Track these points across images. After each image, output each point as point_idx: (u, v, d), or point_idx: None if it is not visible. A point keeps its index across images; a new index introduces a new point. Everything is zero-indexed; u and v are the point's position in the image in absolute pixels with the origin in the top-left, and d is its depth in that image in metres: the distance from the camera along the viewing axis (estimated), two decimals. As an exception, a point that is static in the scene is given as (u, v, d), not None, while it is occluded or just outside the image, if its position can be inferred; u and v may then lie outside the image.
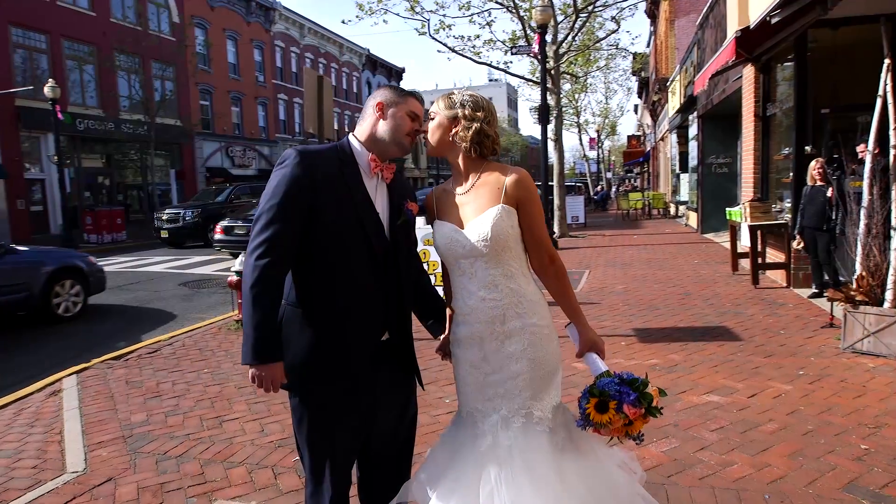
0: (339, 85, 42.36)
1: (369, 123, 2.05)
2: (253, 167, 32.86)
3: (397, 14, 14.31)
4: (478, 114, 1.98)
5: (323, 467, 2.01)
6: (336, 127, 39.16)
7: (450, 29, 16.25)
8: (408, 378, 2.17)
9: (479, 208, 1.96)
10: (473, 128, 1.97)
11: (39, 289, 7.40)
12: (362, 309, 1.96)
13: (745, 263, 8.66)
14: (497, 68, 15.67)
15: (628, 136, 45.88)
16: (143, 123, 23.42)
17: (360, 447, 2.11)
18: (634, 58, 29.98)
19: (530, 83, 15.83)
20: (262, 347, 1.85)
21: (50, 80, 18.82)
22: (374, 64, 47.25)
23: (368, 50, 45.60)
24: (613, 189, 40.03)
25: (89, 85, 23.42)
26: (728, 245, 9.47)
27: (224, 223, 13.84)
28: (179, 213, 18.15)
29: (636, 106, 44.50)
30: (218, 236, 13.69)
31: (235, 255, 9.75)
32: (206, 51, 29.09)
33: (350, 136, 2.07)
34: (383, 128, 2.03)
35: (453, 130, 2.00)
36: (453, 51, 15.13)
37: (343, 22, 16.75)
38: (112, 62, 22.97)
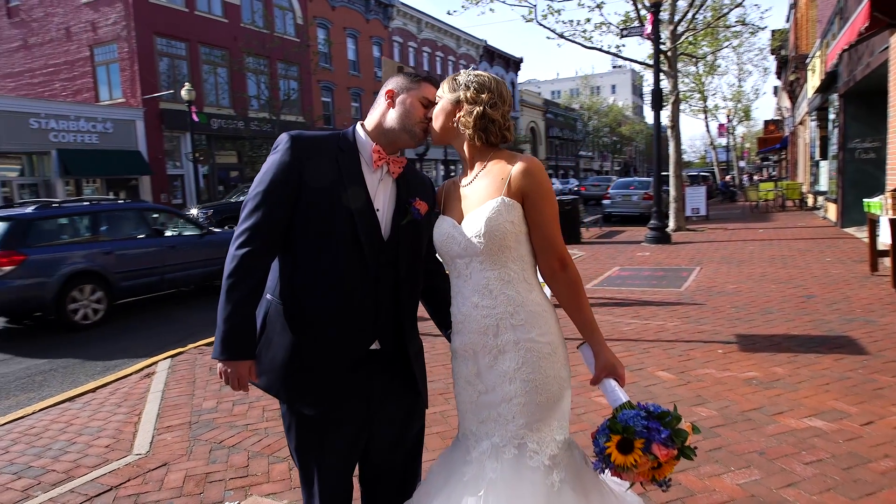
0: (455, 78, 42.58)
1: (379, 112, 1.88)
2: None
3: (503, 1, 13.98)
4: (482, 96, 1.74)
5: (312, 477, 1.88)
6: None
7: (559, 14, 15.60)
8: (410, 390, 1.96)
9: (479, 201, 1.72)
10: (476, 112, 1.72)
11: None
12: (347, 313, 1.78)
13: (887, 262, 7.52)
14: (608, 52, 14.85)
15: (765, 122, 42.15)
16: (268, 121, 24.94)
17: (356, 457, 1.94)
18: (773, 35, 27.38)
19: (647, 67, 14.85)
20: (229, 342, 1.73)
21: (186, 83, 20.48)
22: (492, 55, 47.07)
23: (486, 41, 45.51)
24: (740, 178, 37.02)
25: (222, 87, 25.26)
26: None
27: None
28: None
29: (775, 88, 40.79)
30: None
31: None
32: (328, 49, 30.38)
33: (357, 125, 1.90)
34: (392, 116, 1.85)
35: (457, 116, 1.76)
36: (562, 37, 14.56)
37: (449, 13, 16.59)
38: (242, 65, 24.62)
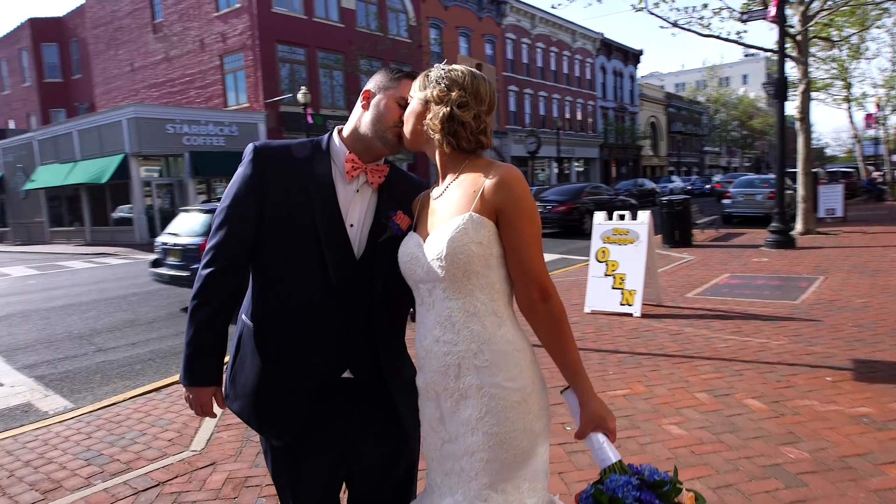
0: (570, 73, 41.62)
1: (355, 116, 1.71)
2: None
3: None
4: (451, 94, 1.49)
5: None
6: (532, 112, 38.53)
7: (673, 1, 14.45)
8: (393, 425, 1.76)
9: (446, 217, 1.49)
10: (442, 113, 1.48)
11: None
12: (309, 339, 1.62)
13: None
14: (727, 40, 13.63)
15: (928, 110, 37.16)
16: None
17: (336, 489, 1.78)
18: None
19: (773, 53, 13.51)
20: (191, 367, 1.66)
21: (303, 87, 21.49)
22: (609, 48, 45.44)
23: (602, 34, 43.98)
24: (892, 174, 32.77)
25: (337, 89, 26.30)
26: None
27: None
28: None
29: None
30: None
31: None
32: (440, 49, 30.71)
33: (335, 130, 1.74)
34: (366, 120, 1.67)
35: (427, 118, 1.54)
36: (676, 25, 13.60)
37: (553, 7, 15.99)
38: (356, 67, 25.48)
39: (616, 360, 4.88)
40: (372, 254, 1.65)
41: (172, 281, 8.36)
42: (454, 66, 1.55)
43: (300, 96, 20.70)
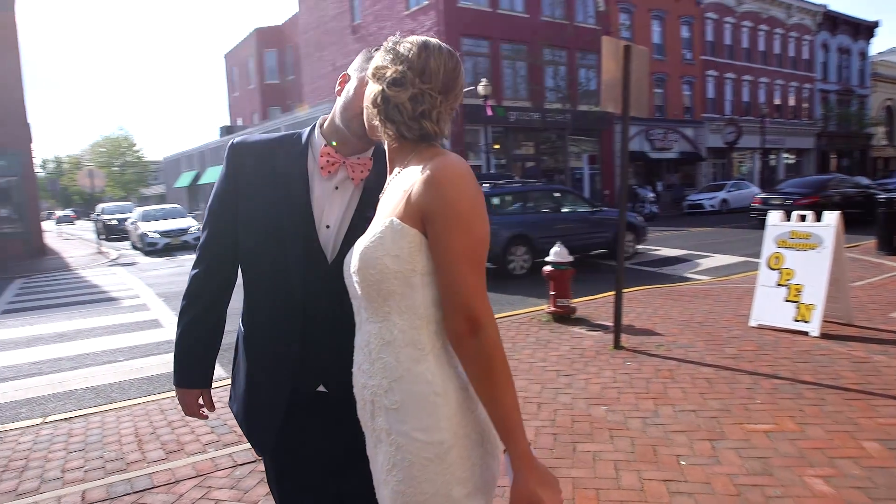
0: (783, 53, 37.04)
1: (335, 104, 1.55)
2: (674, 150, 31.85)
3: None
4: (385, 71, 1.22)
5: None
6: (688, 105, 34.56)
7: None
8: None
9: (376, 223, 1.26)
10: (373, 94, 1.25)
11: (612, 235, 11.13)
12: (278, 348, 1.51)
13: None
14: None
15: None
16: (563, 111, 25.01)
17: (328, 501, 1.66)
18: None
19: None
20: (177, 368, 1.65)
21: (483, 79, 21.72)
22: (834, 22, 39.56)
23: (826, 6, 38.39)
24: None
25: (520, 80, 26.20)
26: None
27: None
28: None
29: None
30: None
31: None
32: (630, 35, 29.13)
33: (317, 122, 1.60)
34: (337, 107, 1.52)
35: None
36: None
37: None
38: (540, 58, 25.14)
39: (770, 386, 4.14)
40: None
41: None
42: (407, 38, 1.28)
43: (480, 88, 20.95)
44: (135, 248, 19.93)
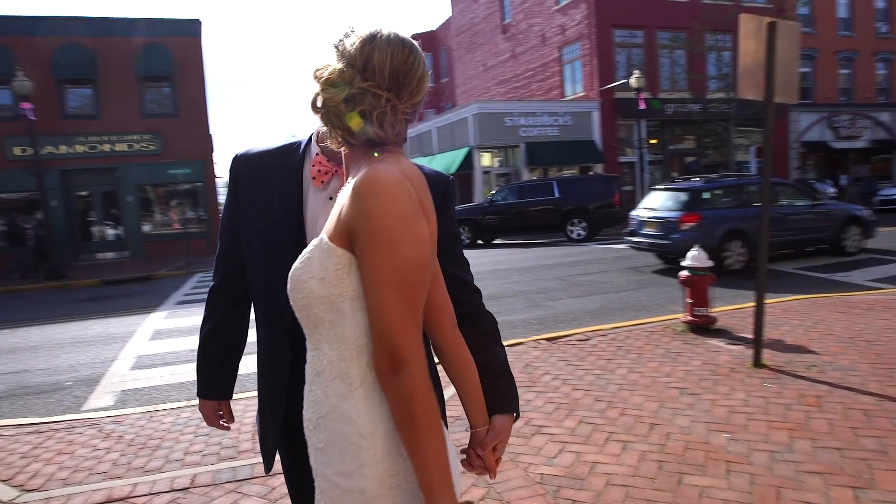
0: None
1: None
2: (864, 138, 27.96)
3: None
4: (323, 71, 1.10)
5: None
6: (883, 85, 29.00)
7: None
8: None
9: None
10: (312, 98, 1.13)
11: (834, 231, 10.90)
12: (270, 367, 1.48)
13: None
14: None
15: None
16: (727, 101, 23.03)
17: None
18: None
19: None
20: (197, 378, 1.68)
21: (635, 71, 20.64)
22: None
23: None
24: None
25: (678, 70, 24.53)
26: None
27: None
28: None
29: None
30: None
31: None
32: (809, 11, 26.04)
33: (316, 130, 1.52)
34: None
35: None
36: None
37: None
38: (701, 44, 23.33)
39: (949, 425, 3.40)
40: None
41: (651, 247, 10.63)
42: (357, 31, 1.13)
43: (632, 80, 19.95)
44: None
